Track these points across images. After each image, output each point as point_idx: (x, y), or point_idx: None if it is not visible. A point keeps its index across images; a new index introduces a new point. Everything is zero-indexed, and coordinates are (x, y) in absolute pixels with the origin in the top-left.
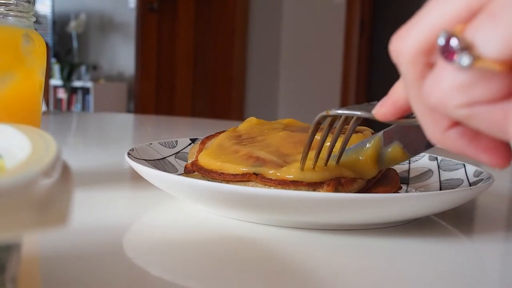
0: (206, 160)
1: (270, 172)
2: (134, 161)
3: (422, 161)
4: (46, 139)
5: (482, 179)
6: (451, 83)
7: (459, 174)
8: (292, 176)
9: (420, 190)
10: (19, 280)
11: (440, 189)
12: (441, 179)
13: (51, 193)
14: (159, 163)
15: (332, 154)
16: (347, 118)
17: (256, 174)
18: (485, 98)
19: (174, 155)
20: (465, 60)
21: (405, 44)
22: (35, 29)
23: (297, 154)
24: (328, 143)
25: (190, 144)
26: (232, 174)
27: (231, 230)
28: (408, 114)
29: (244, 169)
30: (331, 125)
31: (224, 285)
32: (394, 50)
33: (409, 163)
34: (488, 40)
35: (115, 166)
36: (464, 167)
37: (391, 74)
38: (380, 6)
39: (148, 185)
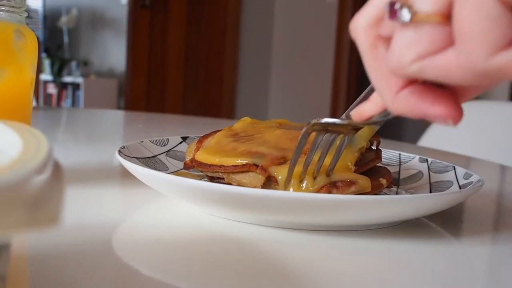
0: (205, 156)
1: None
2: (124, 159)
3: (413, 162)
4: (37, 137)
5: (472, 181)
6: (401, 43)
7: (449, 176)
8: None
9: (410, 191)
10: (7, 279)
11: (430, 191)
12: (431, 181)
13: (43, 192)
14: (150, 161)
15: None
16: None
17: (256, 166)
18: (430, 49)
19: (165, 153)
20: (405, 15)
21: (359, 21)
22: (27, 24)
23: (295, 148)
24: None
25: (181, 142)
26: (232, 166)
27: (222, 229)
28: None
29: (244, 161)
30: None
31: (214, 284)
32: (352, 27)
33: (400, 164)
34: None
35: (105, 163)
36: (454, 169)
37: None
38: None
39: (139, 183)
